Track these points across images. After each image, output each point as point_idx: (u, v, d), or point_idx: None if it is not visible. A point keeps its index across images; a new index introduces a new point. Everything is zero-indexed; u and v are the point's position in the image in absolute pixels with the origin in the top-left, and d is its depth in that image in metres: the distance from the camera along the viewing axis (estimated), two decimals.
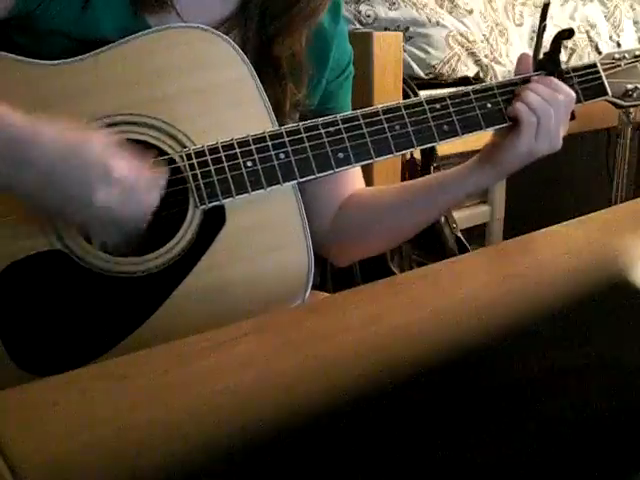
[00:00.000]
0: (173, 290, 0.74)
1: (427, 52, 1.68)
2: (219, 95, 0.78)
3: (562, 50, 0.90)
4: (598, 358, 0.56)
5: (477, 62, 1.77)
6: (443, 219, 1.28)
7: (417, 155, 1.40)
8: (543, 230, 0.83)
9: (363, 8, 1.66)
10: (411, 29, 1.68)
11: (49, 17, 0.75)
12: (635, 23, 2.32)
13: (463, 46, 1.74)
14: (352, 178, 0.97)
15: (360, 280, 1.23)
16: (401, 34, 1.45)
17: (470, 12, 1.82)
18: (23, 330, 0.71)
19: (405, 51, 1.63)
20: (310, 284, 0.79)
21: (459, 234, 1.31)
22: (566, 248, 0.80)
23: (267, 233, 0.78)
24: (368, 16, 1.66)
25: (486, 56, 1.79)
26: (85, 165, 0.67)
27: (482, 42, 1.81)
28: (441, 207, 0.95)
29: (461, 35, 1.75)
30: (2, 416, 0.47)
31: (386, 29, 1.65)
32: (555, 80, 0.86)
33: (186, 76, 0.77)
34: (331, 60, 0.91)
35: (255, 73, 0.79)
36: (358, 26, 1.65)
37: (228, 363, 0.56)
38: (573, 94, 0.86)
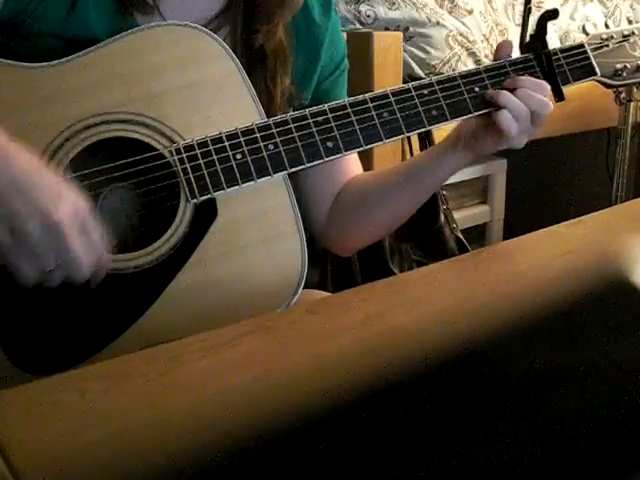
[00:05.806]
0: (166, 286, 0.74)
1: (427, 52, 1.68)
2: (207, 91, 0.78)
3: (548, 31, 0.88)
4: (598, 358, 0.56)
5: (477, 62, 1.77)
6: (443, 219, 1.28)
7: (417, 150, 1.40)
8: (543, 230, 0.83)
9: (363, 8, 1.66)
10: (411, 29, 1.68)
11: (38, 18, 0.75)
12: (635, 23, 2.32)
13: (463, 46, 1.74)
14: (348, 166, 0.97)
15: (360, 280, 1.23)
16: (401, 34, 1.45)
17: (470, 12, 1.82)
18: (18, 329, 0.71)
19: (405, 51, 1.63)
20: (305, 273, 0.79)
21: (459, 234, 1.31)
22: (566, 248, 0.80)
23: (259, 225, 0.78)
24: (368, 16, 1.66)
25: (486, 56, 1.79)
26: (58, 182, 0.64)
27: (482, 42, 1.81)
28: (427, 187, 0.93)
29: (461, 35, 1.75)
30: (2, 416, 0.47)
31: (386, 29, 1.65)
32: (527, 79, 0.84)
33: (174, 73, 0.77)
34: (324, 54, 0.91)
35: (242, 68, 0.79)
36: (358, 26, 1.65)
37: (228, 363, 0.56)
38: (542, 82, 0.83)
